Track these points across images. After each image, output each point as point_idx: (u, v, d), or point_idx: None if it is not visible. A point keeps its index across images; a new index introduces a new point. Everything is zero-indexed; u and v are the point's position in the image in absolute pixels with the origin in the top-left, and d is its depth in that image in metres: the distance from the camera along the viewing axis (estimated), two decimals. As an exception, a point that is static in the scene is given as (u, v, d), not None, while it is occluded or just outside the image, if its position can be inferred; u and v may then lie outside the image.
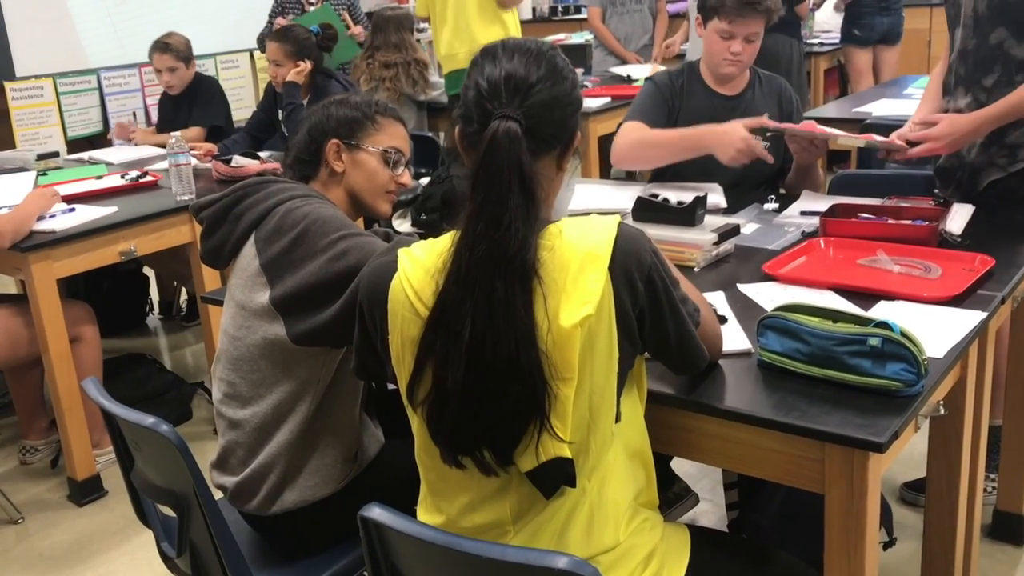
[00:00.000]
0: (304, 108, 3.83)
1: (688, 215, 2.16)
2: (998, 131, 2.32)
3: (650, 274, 1.33)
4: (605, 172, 4.76)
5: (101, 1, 6.06)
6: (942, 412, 1.62)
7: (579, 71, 4.22)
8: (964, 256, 2.00)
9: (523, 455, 1.30)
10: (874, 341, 1.45)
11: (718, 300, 1.87)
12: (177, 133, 3.32)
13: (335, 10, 5.16)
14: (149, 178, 3.49)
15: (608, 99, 4.62)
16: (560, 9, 9.03)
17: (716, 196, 2.53)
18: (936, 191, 2.53)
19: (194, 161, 3.47)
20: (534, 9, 9.03)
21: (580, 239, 1.31)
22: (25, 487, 3.17)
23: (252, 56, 6.75)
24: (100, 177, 3.58)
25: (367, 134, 1.93)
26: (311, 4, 5.23)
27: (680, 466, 2.62)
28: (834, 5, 6.10)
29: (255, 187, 1.88)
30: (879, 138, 2.36)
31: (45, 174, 3.71)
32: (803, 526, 1.73)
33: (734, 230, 2.19)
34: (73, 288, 4.02)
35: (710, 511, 2.71)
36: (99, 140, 5.89)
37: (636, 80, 4.97)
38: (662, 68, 4.89)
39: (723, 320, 1.73)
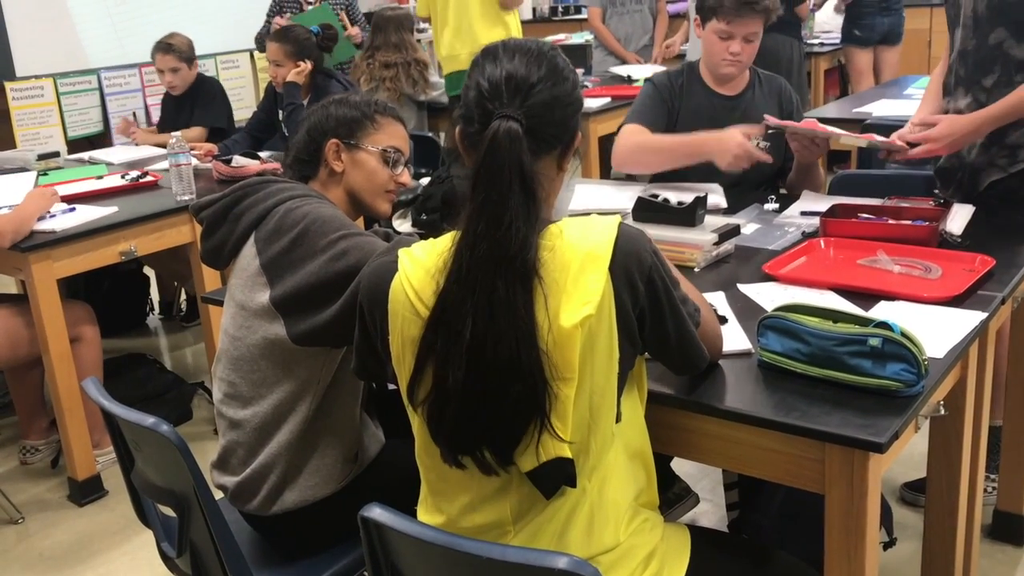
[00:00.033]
0: (304, 108, 3.83)
1: (688, 215, 2.16)
2: (998, 132, 2.32)
3: (650, 274, 1.33)
4: (605, 172, 4.76)
5: (101, 1, 6.07)
6: (942, 412, 1.62)
7: (579, 71, 4.23)
8: (964, 256, 2.00)
9: (523, 455, 1.30)
10: (874, 341, 1.45)
11: (718, 300, 1.87)
12: (177, 133, 3.31)
13: (333, 10, 5.16)
14: (149, 178, 3.49)
15: (608, 99, 4.63)
16: (560, 9, 9.03)
17: (716, 196, 2.53)
18: (936, 191, 2.53)
19: (194, 161, 3.47)
20: (534, 9, 9.04)
21: (581, 239, 1.31)
22: (25, 487, 3.17)
23: (252, 56, 6.75)
24: (100, 177, 3.58)
25: (366, 133, 1.93)
26: (309, 3, 5.23)
27: (680, 466, 2.62)
28: (835, 7, 6.10)
29: (255, 187, 1.88)
30: (880, 138, 2.36)
31: (46, 174, 3.71)
32: (803, 526, 1.73)
33: (734, 230, 2.19)
34: (73, 288, 4.02)
35: (710, 511, 2.71)
36: (99, 140, 5.90)
37: (636, 80, 4.97)
38: (662, 68, 4.89)
39: (723, 320, 1.73)
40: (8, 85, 5.61)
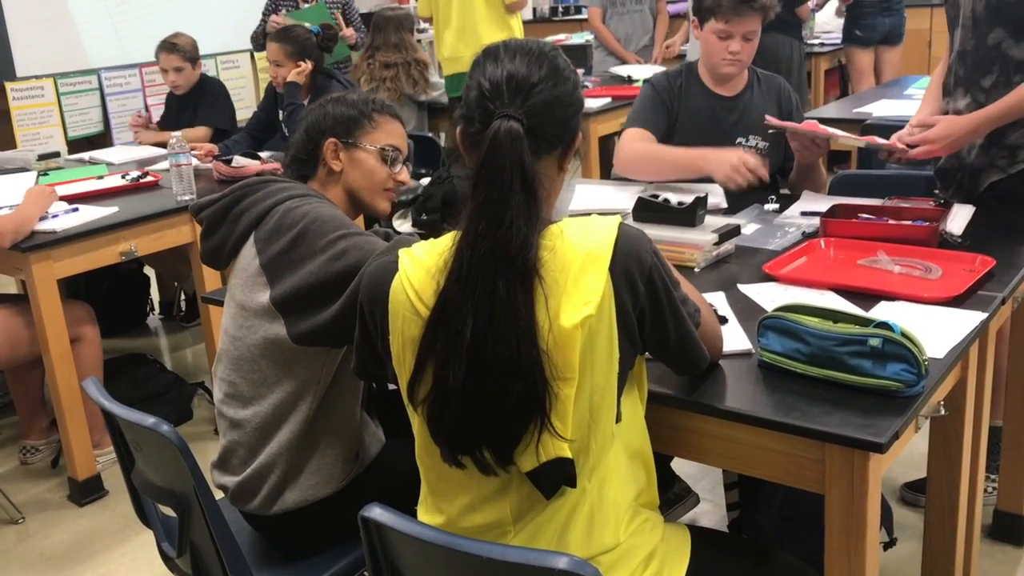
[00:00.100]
0: (304, 108, 3.83)
1: (688, 215, 2.17)
2: (998, 132, 2.32)
3: (651, 274, 1.33)
4: (606, 172, 4.75)
5: (101, 1, 6.07)
6: (942, 412, 1.62)
7: (579, 71, 4.22)
8: (964, 257, 2.00)
9: (523, 455, 1.30)
10: (874, 341, 1.45)
11: (718, 300, 1.87)
12: (177, 133, 3.31)
13: (328, 9, 5.16)
14: (150, 178, 3.49)
15: (608, 99, 4.63)
16: (560, 9, 9.03)
17: (716, 196, 2.52)
18: (936, 192, 2.53)
19: (195, 161, 3.47)
20: (534, 10, 9.03)
21: (581, 239, 1.31)
22: (25, 487, 3.17)
23: (252, 56, 6.75)
24: (101, 177, 3.58)
25: (364, 132, 1.93)
26: (305, 1, 5.23)
27: (680, 466, 2.62)
28: (836, 11, 6.09)
29: (254, 187, 1.88)
30: (880, 140, 2.36)
31: (46, 174, 3.71)
32: (803, 526, 1.73)
33: (734, 230, 2.19)
34: (73, 288, 4.02)
35: (710, 511, 2.71)
36: (100, 140, 5.90)
37: (636, 81, 4.97)
38: (662, 68, 4.89)
39: (723, 320, 1.73)
40: (8, 85, 5.61)
